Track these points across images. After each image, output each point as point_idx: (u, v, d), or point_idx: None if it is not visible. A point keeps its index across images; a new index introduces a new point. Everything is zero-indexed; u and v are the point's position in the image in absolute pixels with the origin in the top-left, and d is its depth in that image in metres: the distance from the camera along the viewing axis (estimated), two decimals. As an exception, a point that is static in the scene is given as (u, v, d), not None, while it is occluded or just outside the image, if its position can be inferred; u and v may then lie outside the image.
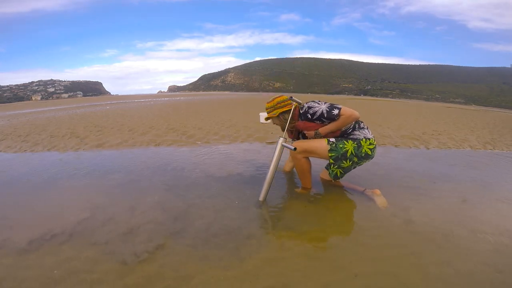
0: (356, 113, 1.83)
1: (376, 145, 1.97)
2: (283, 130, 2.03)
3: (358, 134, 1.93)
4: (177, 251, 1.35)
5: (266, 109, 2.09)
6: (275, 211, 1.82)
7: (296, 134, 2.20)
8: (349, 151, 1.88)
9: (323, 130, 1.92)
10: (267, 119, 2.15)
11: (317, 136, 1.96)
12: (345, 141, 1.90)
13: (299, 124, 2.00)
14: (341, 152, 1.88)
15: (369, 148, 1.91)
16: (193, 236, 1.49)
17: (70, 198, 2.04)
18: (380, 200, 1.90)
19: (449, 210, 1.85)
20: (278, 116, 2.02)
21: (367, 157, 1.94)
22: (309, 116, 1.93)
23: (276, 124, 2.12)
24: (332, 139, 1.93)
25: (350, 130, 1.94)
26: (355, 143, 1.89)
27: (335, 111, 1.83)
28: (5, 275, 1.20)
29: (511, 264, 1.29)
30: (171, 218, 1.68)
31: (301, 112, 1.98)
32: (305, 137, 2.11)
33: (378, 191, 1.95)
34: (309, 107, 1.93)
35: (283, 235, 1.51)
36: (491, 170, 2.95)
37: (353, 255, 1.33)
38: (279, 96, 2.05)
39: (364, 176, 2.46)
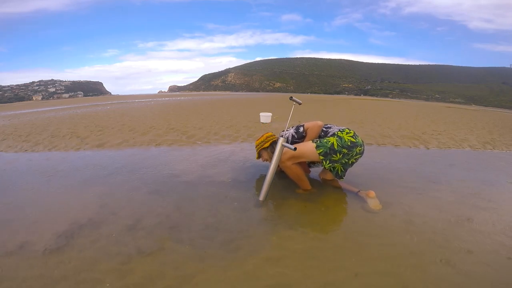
0: (318, 122, 2.07)
1: (355, 132, 2.01)
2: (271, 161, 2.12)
3: (332, 130, 2.03)
4: (178, 251, 1.36)
5: (257, 145, 2.32)
6: (275, 211, 1.83)
7: None
8: (335, 144, 1.91)
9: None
10: (258, 156, 2.34)
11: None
12: (327, 138, 1.97)
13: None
14: (328, 145, 1.91)
15: (350, 136, 1.95)
16: (193, 236, 1.50)
17: (72, 197, 2.05)
18: (373, 202, 1.88)
19: (449, 210, 1.85)
20: (269, 146, 2.24)
21: (355, 145, 1.94)
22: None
23: (266, 160, 2.32)
24: (316, 139, 2.01)
25: (322, 134, 2.06)
26: (335, 137, 1.95)
27: (301, 128, 2.11)
28: (6, 275, 1.21)
29: (511, 264, 1.30)
30: (171, 218, 1.69)
31: None
32: None
33: (372, 193, 1.92)
34: (282, 136, 2.10)
35: (283, 234, 1.52)
36: (490, 170, 2.95)
37: (353, 255, 1.33)
38: (266, 133, 2.35)
39: (364, 176, 2.47)
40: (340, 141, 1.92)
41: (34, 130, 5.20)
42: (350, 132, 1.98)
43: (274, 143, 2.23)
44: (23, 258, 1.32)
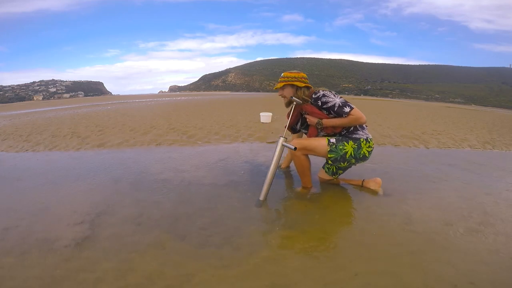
0: (364, 118, 1.85)
1: (374, 147, 2.00)
2: (287, 106, 2.07)
3: (361, 134, 1.94)
4: (178, 250, 1.36)
5: (287, 77, 1.93)
6: (276, 211, 1.83)
7: (295, 118, 2.09)
8: (349, 152, 1.88)
9: (326, 122, 1.89)
10: (280, 87, 1.97)
11: (318, 125, 1.92)
12: (345, 142, 1.89)
13: (307, 107, 1.95)
14: (341, 154, 1.89)
15: (367, 151, 1.93)
16: (193, 235, 1.50)
17: (75, 197, 2.06)
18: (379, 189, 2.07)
19: (449, 210, 1.85)
20: (297, 88, 1.92)
21: (364, 158, 1.95)
22: (319, 103, 1.89)
23: (283, 96, 1.99)
24: (333, 140, 1.91)
25: (352, 129, 1.93)
26: (356, 144, 1.89)
27: (346, 109, 1.81)
28: (7, 275, 1.21)
29: (511, 264, 1.30)
30: (171, 218, 1.69)
31: (313, 96, 1.92)
32: (304, 122, 2.11)
33: (379, 181, 2.10)
34: (324, 95, 1.88)
35: (283, 234, 1.52)
36: (490, 169, 2.95)
37: (353, 254, 1.33)
38: (302, 73, 1.96)
39: (364, 176, 2.46)
40: (355, 151, 1.89)
41: (35, 130, 5.20)
42: (371, 147, 1.94)
43: (303, 88, 1.91)
44: (23, 258, 1.32)
